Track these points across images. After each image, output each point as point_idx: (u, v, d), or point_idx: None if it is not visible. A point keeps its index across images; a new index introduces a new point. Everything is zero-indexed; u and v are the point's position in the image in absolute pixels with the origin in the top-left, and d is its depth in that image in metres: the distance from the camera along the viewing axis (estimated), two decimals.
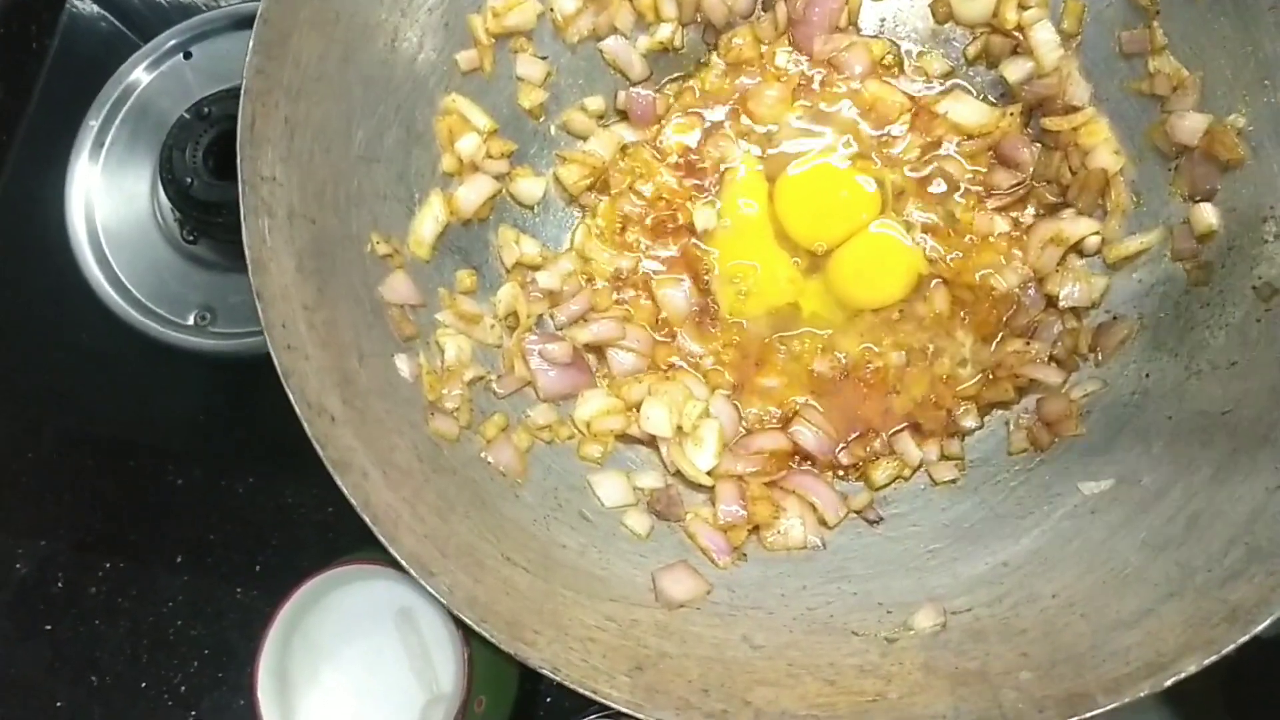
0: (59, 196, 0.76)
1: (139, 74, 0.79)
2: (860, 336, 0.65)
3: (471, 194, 0.64)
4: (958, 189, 0.66)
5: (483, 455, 0.59)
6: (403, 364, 0.57)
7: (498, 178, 0.66)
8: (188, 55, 0.79)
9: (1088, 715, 0.45)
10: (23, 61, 0.83)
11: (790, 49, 0.68)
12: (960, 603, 0.54)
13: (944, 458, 0.63)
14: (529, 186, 0.67)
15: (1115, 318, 0.62)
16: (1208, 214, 0.59)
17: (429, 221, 0.62)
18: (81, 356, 0.77)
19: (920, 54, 0.68)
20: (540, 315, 0.65)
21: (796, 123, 0.68)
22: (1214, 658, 0.44)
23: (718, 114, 0.69)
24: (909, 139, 0.67)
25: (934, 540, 0.59)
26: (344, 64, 0.57)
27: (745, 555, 0.60)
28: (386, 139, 0.60)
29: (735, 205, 0.67)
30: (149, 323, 0.73)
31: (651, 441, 0.64)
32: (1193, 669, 0.44)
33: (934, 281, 0.65)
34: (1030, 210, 0.66)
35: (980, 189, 0.66)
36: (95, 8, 0.84)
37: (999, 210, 0.65)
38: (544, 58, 0.67)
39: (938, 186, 0.67)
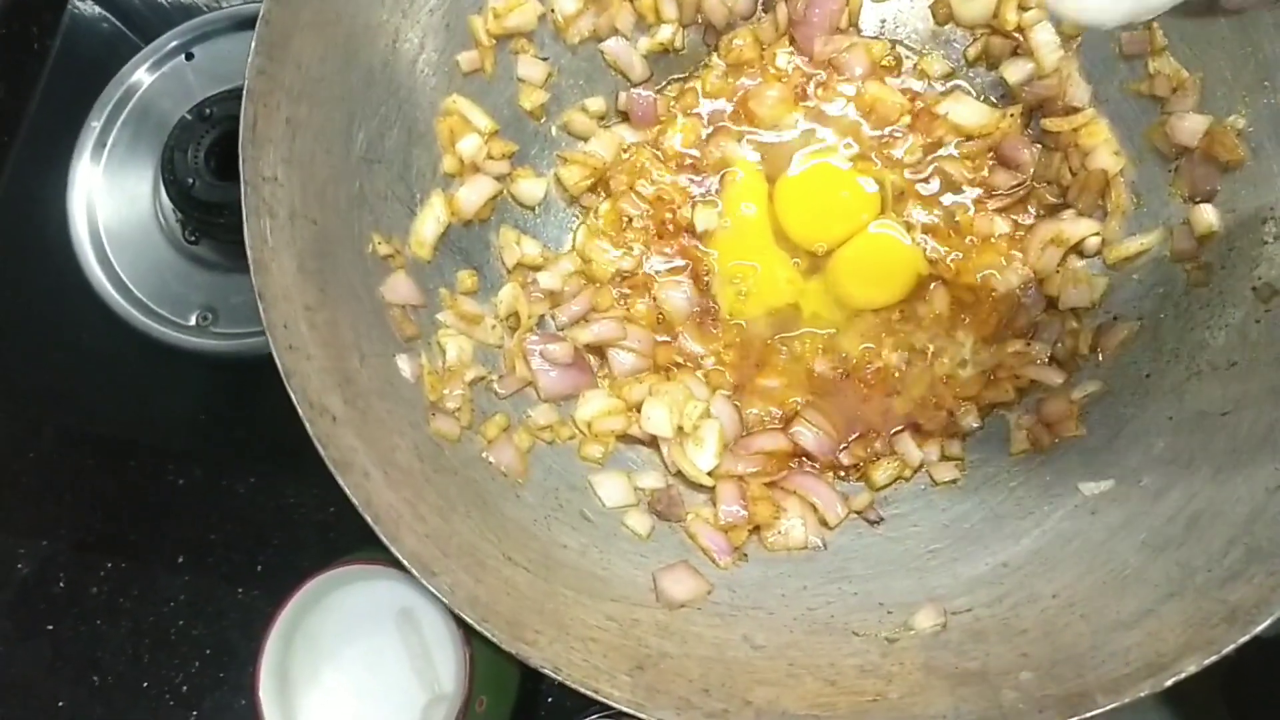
0: (61, 197, 0.76)
1: (141, 75, 0.79)
2: (860, 337, 0.65)
3: (473, 195, 0.64)
4: (958, 190, 0.66)
5: (484, 455, 0.59)
6: (404, 364, 0.57)
7: (499, 178, 0.66)
8: (189, 56, 0.79)
9: (1088, 715, 0.45)
10: (24, 62, 0.83)
11: (791, 50, 0.69)
12: (960, 603, 0.54)
13: (944, 458, 0.63)
14: (530, 187, 0.67)
15: (1115, 318, 0.62)
16: (1208, 215, 0.59)
17: (430, 222, 0.62)
18: (82, 356, 0.77)
19: (921, 55, 0.68)
20: (541, 316, 0.65)
21: (797, 123, 0.68)
22: (1214, 658, 0.44)
23: (718, 115, 0.69)
24: (909, 140, 0.67)
25: (934, 540, 0.59)
26: (345, 65, 0.57)
27: (746, 555, 0.60)
28: (388, 140, 0.60)
29: (735, 206, 0.67)
30: (150, 323, 0.73)
31: (652, 442, 0.64)
32: (1193, 669, 0.44)
33: (934, 282, 0.65)
34: (1030, 211, 0.66)
35: (981, 190, 0.66)
36: (97, 9, 0.84)
37: (999, 211, 0.66)
38: (545, 59, 0.67)
39: (938, 187, 0.67)
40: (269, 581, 0.70)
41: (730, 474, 0.62)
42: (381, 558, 0.50)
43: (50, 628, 0.71)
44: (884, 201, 0.66)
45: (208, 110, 0.73)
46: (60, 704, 0.69)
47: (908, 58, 0.69)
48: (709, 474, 0.62)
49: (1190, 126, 0.59)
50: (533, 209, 0.68)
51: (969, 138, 0.66)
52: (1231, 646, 0.44)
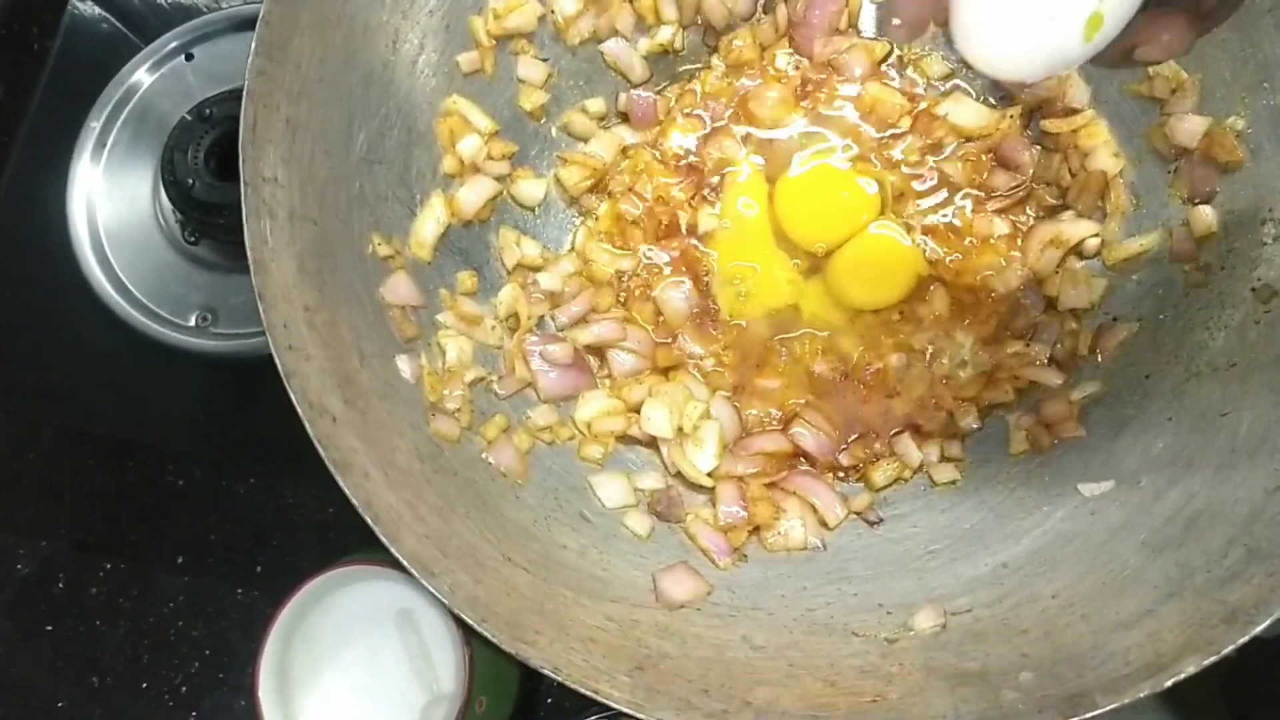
0: (60, 198, 0.76)
1: (140, 75, 0.79)
2: (860, 338, 0.65)
3: (472, 195, 0.64)
4: (958, 191, 0.66)
5: (484, 456, 0.59)
6: (404, 365, 0.57)
7: (499, 179, 0.66)
8: (189, 57, 0.79)
9: (1088, 715, 0.45)
10: (24, 63, 0.83)
11: (790, 51, 0.69)
12: (960, 603, 0.54)
13: (944, 459, 0.63)
14: (530, 188, 0.67)
15: (1115, 319, 0.62)
16: (1207, 216, 0.59)
17: (430, 223, 0.62)
18: (82, 357, 0.77)
19: (920, 56, 0.68)
20: (541, 316, 0.66)
21: (797, 124, 0.68)
22: (1214, 658, 0.44)
23: (718, 116, 0.69)
24: (909, 141, 0.67)
25: (934, 541, 0.59)
26: (345, 66, 0.57)
27: (746, 556, 0.60)
28: (388, 140, 0.60)
29: (735, 207, 0.67)
30: (150, 323, 0.73)
31: (652, 443, 0.64)
32: (1192, 669, 0.44)
33: (934, 283, 0.65)
34: (1030, 212, 0.66)
35: (980, 191, 0.66)
36: (96, 9, 0.84)
37: (999, 212, 0.66)
38: (545, 60, 0.67)
39: (937, 188, 0.67)
40: (268, 582, 0.70)
41: (730, 475, 0.62)
42: (381, 558, 0.50)
43: (50, 628, 0.71)
44: (884, 202, 0.66)
45: (207, 111, 0.73)
46: (60, 704, 0.69)
47: (907, 57, 0.69)
48: (709, 475, 0.62)
49: (1189, 128, 0.59)
50: (533, 210, 0.68)
51: (969, 139, 0.66)
52: (1231, 647, 0.44)
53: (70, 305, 0.76)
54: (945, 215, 0.66)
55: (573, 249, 0.68)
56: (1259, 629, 0.44)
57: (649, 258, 0.67)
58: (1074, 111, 0.64)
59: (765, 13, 0.69)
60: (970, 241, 0.66)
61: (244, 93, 0.50)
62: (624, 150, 0.69)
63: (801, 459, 0.64)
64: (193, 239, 0.76)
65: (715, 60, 0.69)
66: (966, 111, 0.67)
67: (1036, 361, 0.63)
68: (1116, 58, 0.38)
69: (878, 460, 0.63)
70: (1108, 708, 0.44)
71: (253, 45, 0.51)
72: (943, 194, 0.67)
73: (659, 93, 0.69)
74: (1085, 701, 0.45)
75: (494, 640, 0.47)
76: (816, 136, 0.68)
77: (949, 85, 0.68)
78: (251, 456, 0.73)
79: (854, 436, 0.64)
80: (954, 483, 0.62)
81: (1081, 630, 0.49)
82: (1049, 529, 0.57)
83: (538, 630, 0.49)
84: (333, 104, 0.56)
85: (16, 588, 0.72)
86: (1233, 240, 0.58)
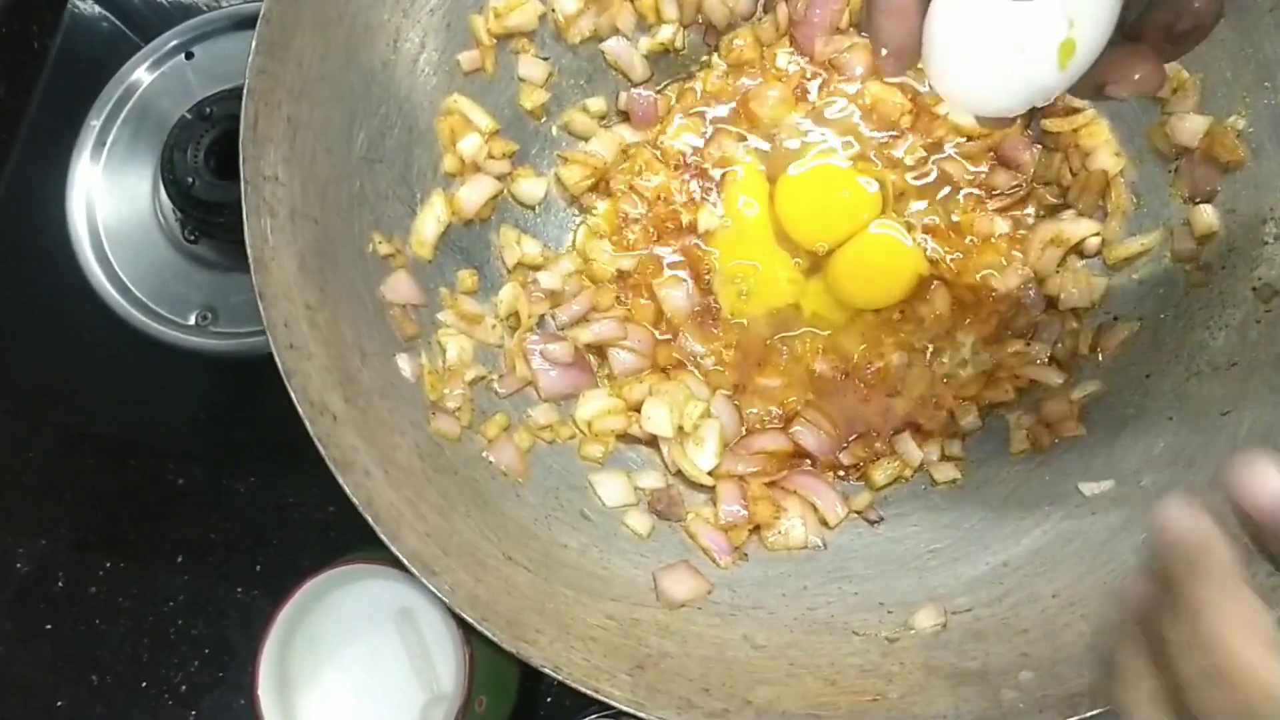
0: (60, 196, 0.76)
1: (140, 74, 0.79)
2: (861, 337, 0.65)
3: (473, 194, 0.64)
4: (958, 190, 0.66)
5: (484, 455, 0.59)
6: (404, 364, 0.57)
7: (499, 178, 0.66)
8: (189, 55, 0.79)
9: (1088, 715, 0.45)
10: (24, 61, 0.83)
11: (791, 50, 0.69)
12: (961, 602, 0.54)
13: (944, 458, 0.63)
14: (530, 187, 0.67)
15: (1115, 318, 0.62)
16: (1208, 215, 0.59)
17: (431, 221, 0.62)
18: (82, 356, 0.77)
19: None
20: (542, 315, 0.65)
21: (797, 123, 0.68)
22: None
23: (719, 115, 0.69)
24: (910, 140, 0.67)
25: (934, 540, 0.59)
26: (346, 64, 0.57)
27: (746, 555, 0.60)
28: (388, 139, 0.60)
29: (736, 205, 0.67)
30: (150, 322, 0.73)
31: (653, 441, 0.64)
32: None
33: (934, 282, 0.65)
34: (1031, 211, 0.66)
35: (981, 190, 0.66)
36: (96, 8, 0.84)
37: (999, 211, 0.66)
38: (545, 58, 0.67)
39: (938, 187, 0.67)
40: (269, 581, 0.70)
41: (730, 474, 0.62)
42: (381, 557, 0.50)
43: (49, 627, 0.71)
44: (884, 201, 0.66)
45: (208, 109, 0.73)
46: (59, 703, 0.69)
47: None
48: (709, 474, 0.62)
49: (1190, 127, 0.59)
50: (533, 208, 0.68)
51: (969, 138, 0.66)
52: None
53: (70, 304, 0.76)
54: (946, 214, 0.66)
55: (573, 248, 0.68)
56: None
57: (650, 256, 0.67)
58: (1075, 111, 0.64)
59: (766, 11, 0.69)
60: (971, 241, 0.66)
61: (245, 91, 0.50)
62: (625, 149, 0.69)
63: (802, 458, 0.64)
64: (193, 238, 0.75)
65: (716, 59, 0.69)
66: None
67: (1037, 360, 0.63)
68: (1089, 92, 0.38)
69: (878, 459, 0.63)
70: (1107, 707, 0.44)
71: (253, 43, 0.50)
72: (943, 193, 0.67)
73: (659, 92, 0.69)
74: (1085, 701, 0.45)
75: (494, 639, 0.47)
76: (817, 135, 0.68)
77: None
78: (252, 455, 0.73)
79: (854, 435, 0.64)
80: (954, 482, 0.62)
81: (1082, 630, 0.49)
82: (1049, 528, 0.57)
83: (538, 629, 0.49)
84: (334, 102, 0.56)
85: (16, 587, 0.72)
86: (1234, 239, 0.58)
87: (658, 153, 0.68)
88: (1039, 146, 0.66)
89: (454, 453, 0.57)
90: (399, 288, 0.59)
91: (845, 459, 0.64)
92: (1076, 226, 0.63)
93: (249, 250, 0.49)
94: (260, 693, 0.53)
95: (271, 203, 0.51)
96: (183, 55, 0.79)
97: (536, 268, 0.66)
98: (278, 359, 0.48)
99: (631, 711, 0.47)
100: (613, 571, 0.57)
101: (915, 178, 0.67)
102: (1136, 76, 0.37)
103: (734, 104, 0.69)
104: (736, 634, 0.54)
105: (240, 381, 0.75)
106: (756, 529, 0.61)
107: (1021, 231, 0.65)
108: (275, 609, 0.53)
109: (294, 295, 0.51)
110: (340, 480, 0.47)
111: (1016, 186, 0.66)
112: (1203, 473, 0.53)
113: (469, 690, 0.52)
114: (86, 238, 0.76)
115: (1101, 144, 0.63)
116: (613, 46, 0.68)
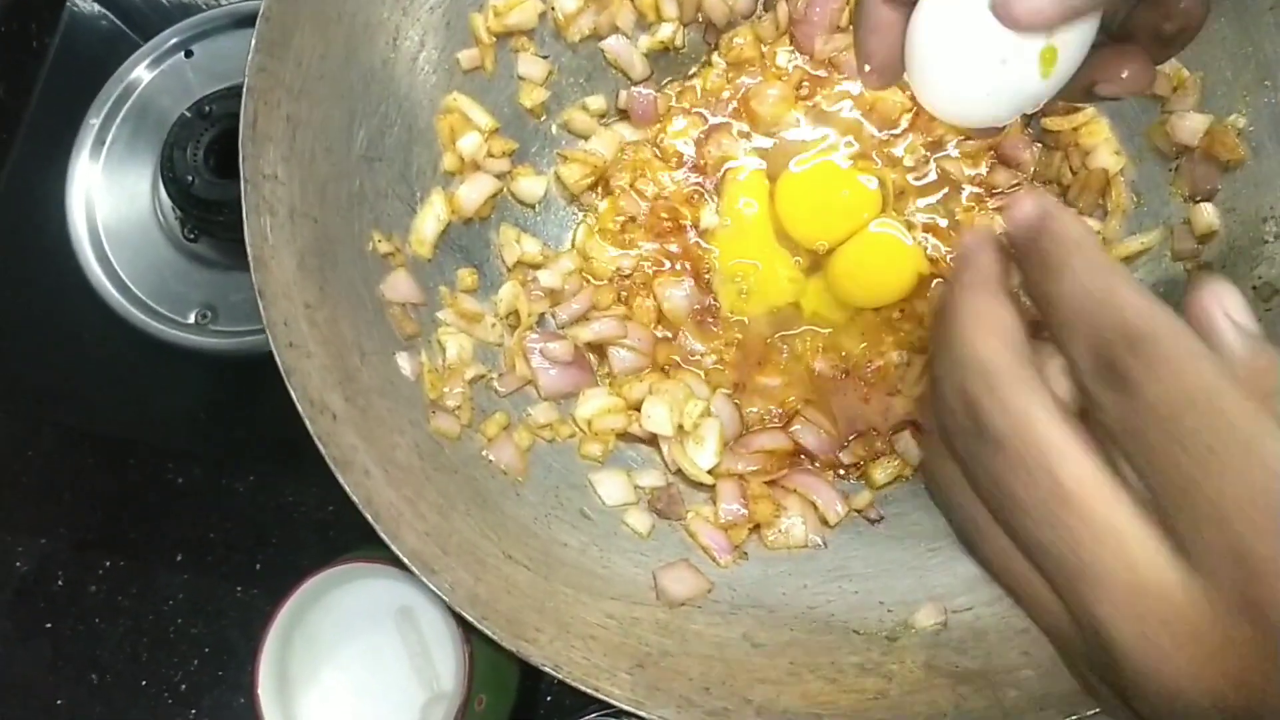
0: (59, 195, 0.76)
1: (140, 72, 0.79)
2: (861, 336, 0.65)
3: (473, 193, 0.64)
4: (959, 189, 0.66)
5: (484, 453, 0.59)
6: (404, 362, 0.57)
7: (499, 176, 0.66)
8: (189, 54, 0.79)
9: (1088, 714, 0.45)
10: (23, 60, 0.83)
11: (791, 49, 0.69)
12: (961, 601, 0.54)
13: None
14: (530, 185, 0.67)
15: None
16: (1208, 214, 0.59)
17: (430, 220, 0.62)
18: (82, 355, 0.77)
19: None
20: (541, 314, 0.65)
21: (798, 122, 0.68)
22: None
23: (719, 113, 0.69)
24: (910, 139, 0.67)
25: (935, 539, 0.59)
26: (346, 62, 0.57)
27: (746, 554, 0.60)
28: (388, 138, 0.60)
29: (736, 204, 0.67)
30: (150, 321, 0.73)
31: (652, 440, 0.64)
32: None
33: (935, 281, 0.65)
34: None
35: (981, 189, 0.66)
36: (96, 6, 0.84)
37: (1000, 210, 0.66)
38: (545, 57, 0.67)
39: (938, 186, 0.67)
40: (268, 580, 0.70)
41: (730, 472, 0.62)
42: (381, 556, 0.50)
43: (49, 626, 0.71)
44: (885, 200, 0.66)
45: (207, 108, 0.72)
46: (59, 702, 0.69)
47: None
48: (709, 472, 0.62)
49: (1191, 126, 0.59)
50: (533, 207, 0.68)
51: (969, 137, 0.66)
52: None
53: (70, 303, 0.75)
54: (946, 213, 0.66)
55: (573, 246, 0.68)
56: None
57: (650, 255, 0.67)
58: (1075, 109, 0.64)
59: (766, 10, 0.69)
60: None
61: (244, 89, 0.50)
62: (624, 147, 0.68)
63: (802, 457, 0.64)
64: (192, 236, 0.75)
65: (716, 58, 0.69)
66: None
67: None
68: (1078, 94, 0.38)
69: (879, 458, 0.63)
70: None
71: (253, 42, 0.50)
72: (944, 191, 0.66)
73: (659, 90, 0.69)
74: (1085, 700, 0.45)
75: (494, 638, 0.47)
76: (818, 134, 0.68)
77: None
78: (251, 454, 0.73)
79: (855, 434, 0.64)
80: None
81: None
82: None
83: (538, 628, 0.49)
84: (333, 101, 0.56)
85: (16, 587, 0.72)
86: (1234, 238, 0.58)
87: (658, 151, 0.68)
88: (1039, 145, 0.66)
89: (454, 451, 0.57)
90: (398, 286, 0.59)
91: (845, 458, 0.64)
92: None
93: (248, 249, 0.49)
94: (260, 692, 0.53)
95: (271, 201, 0.51)
96: (182, 53, 0.79)
97: (536, 266, 0.66)
98: (277, 357, 0.48)
99: (631, 710, 0.47)
100: (613, 570, 0.57)
101: (915, 176, 0.67)
102: (1124, 75, 0.37)
103: (734, 102, 0.69)
104: (737, 632, 0.54)
105: (240, 380, 0.75)
106: (756, 528, 0.61)
107: None
108: (275, 608, 0.53)
109: (293, 294, 0.51)
110: (340, 479, 0.47)
111: (1017, 185, 0.66)
112: None
113: (469, 689, 0.52)
114: (86, 236, 0.76)
115: (1101, 143, 0.63)
116: (612, 45, 0.68)
